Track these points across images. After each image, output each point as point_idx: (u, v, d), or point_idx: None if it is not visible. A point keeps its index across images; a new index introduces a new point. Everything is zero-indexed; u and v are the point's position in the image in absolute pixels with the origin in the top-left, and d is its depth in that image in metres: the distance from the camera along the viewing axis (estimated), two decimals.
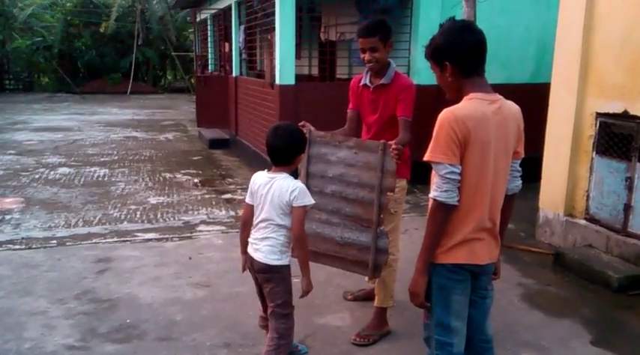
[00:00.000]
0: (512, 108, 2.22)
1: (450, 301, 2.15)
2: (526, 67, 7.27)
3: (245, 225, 2.83)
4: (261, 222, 2.71)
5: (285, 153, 2.69)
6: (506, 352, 3.21)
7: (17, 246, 4.82)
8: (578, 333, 3.46)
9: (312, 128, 3.22)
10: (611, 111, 4.49)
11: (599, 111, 4.61)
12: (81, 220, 5.62)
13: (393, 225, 3.29)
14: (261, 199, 2.71)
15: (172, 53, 24.89)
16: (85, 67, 26.31)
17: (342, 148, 3.11)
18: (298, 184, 2.67)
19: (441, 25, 2.15)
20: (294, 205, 2.62)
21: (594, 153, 4.67)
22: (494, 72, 6.97)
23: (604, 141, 4.60)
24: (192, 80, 19.67)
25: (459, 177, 2.02)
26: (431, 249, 2.11)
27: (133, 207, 6.17)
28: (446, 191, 2.01)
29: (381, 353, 3.17)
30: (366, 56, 3.20)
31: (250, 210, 2.77)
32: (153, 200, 6.49)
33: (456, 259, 2.12)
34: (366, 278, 3.26)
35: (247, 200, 2.78)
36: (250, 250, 2.77)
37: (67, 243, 4.93)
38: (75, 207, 6.08)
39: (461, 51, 2.08)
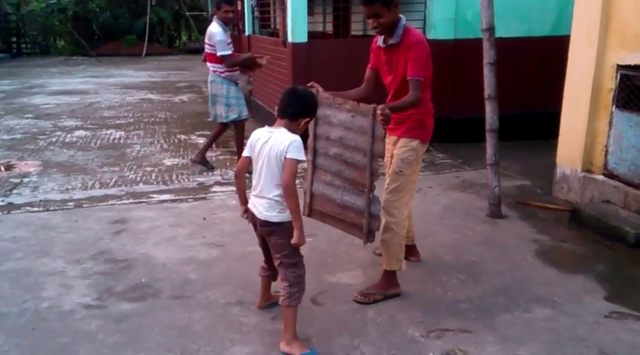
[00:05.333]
0: None
1: None
2: (547, 20, 7.00)
3: (238, 176, 2.91)
4: (260, 176, 2.74)
5: (292, 109, 2.73)
6: (518, 308, 3.21)
7: (35, 209, 4.90)
8: (592, 289, 3.44)
9: (321, 89, 3.18)
10: (632, 63, 4.33)
11: (620, 63, 4.44)
12: (97, 182, 5.69)
13: (397, 185, 3.21)
14: (260, 154, 2.73)
15: (186, 13, 24.61)
16: (100, 29, 26.14)
17: (342, 111, 3.09)
18: (295, 138, 2.67)
19: None
20: (286, 156, 2.63)
21: (614, 107, 4.53)
22: (513, 25, 6.86)
23: (624, 94, 4.45)
24: None
25: None
26: None
27: (148, 168, 6.21)
28: None
29: (392, 309, 3.19)
30: (371, 22, 3.14)
31: (246, 162, 2.84)
32: (168, 162, 6.53)
33: None
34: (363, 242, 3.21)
35: (245, 153, 2.83)
36: (251, 205, 2.84)
37: (84, 205, 5.00)
38: (91, 170, 6.15)
39: None
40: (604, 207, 4.41)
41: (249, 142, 2.80)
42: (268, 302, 3.19)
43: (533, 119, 6.96)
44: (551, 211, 4.74)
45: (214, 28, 5.74)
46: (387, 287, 3.32)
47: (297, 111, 2.73)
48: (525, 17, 6.90)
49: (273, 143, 2.68)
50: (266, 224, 2.77)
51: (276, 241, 2.77)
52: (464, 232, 4.34)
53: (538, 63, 6.93)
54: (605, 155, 4.63)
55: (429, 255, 3.89)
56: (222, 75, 5.85)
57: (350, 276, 3.60)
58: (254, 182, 2.81)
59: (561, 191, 5.04)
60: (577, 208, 4.48)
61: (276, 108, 2.79)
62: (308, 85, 3.21)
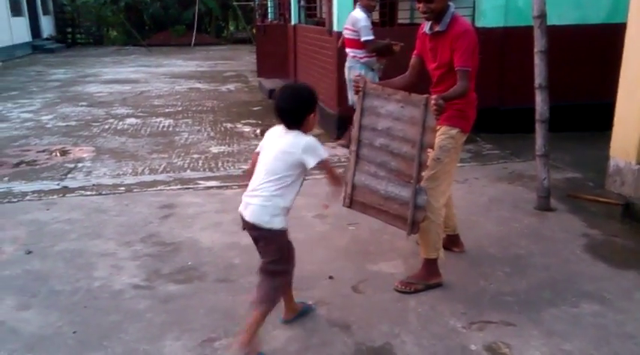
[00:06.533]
0: None
1: None
2: (601, 6, 6.73)
3: (252, 175, 2.70)
4: (261, 175, 2.59)
5: (292, 115, 2.57)
6: (565, 302, 3.13)
7: (88, 192, 5.10)
8: None
9: (368, 80, 3.19)
10: None
11: None
12: (147, 168, 5.86)
13: (434, 173, 3.17)
14: (267, 152, 2.60)
15: (234, 3, 24.85)
16: (151, 20, 26.73)
17: (391, 101, 3.05)
18: (308, 141, 2.54)
19: None
20: (315, 164, 2.53)
21: None
22: (566, 11, 6.65)
23: None
24: (254, 30, 19.67)
25: None
26: None
27: (195, 156, 6.35)
28: None
29: (433, 300, 3.17)
30: (421, 7, 3.12)
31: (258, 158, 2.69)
32: (214, 149, 6.65)
33: None
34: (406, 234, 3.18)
35: (257, 149, 2.70)
36: (242, 207, 2.64)
37: (134, 190, 5.16)
38: (141, 156, 6.33)
39: None
40: None
41: (263, 139, 2.69)
42: (296, 312, 2.98)
43: (586, 110, 6.73)
44: (603, 205, 4.58)
45: (358, 14, 5.87)
46: (428, 277, 3.30)
47: (299, 116, 2.57)
48: (579, 4, 6.65)
49: (285, 145, 2.55)
50: (255, 228, 2.60)
51: (264, 246, 2.64)
52: (510, 224, 4.25)
53: (591, 51, 6.68)
54: None
55: (473, 246, 3.84)
56: (362, 60, 5.94)
57: (391, 265, 3.60)
58: (252, 181, 2.64)
59: (614, 184, 4.86)
60: (630, 202, 4.32)
61: (276, 114, 2.60)
62: (353, 78, 3.23)
